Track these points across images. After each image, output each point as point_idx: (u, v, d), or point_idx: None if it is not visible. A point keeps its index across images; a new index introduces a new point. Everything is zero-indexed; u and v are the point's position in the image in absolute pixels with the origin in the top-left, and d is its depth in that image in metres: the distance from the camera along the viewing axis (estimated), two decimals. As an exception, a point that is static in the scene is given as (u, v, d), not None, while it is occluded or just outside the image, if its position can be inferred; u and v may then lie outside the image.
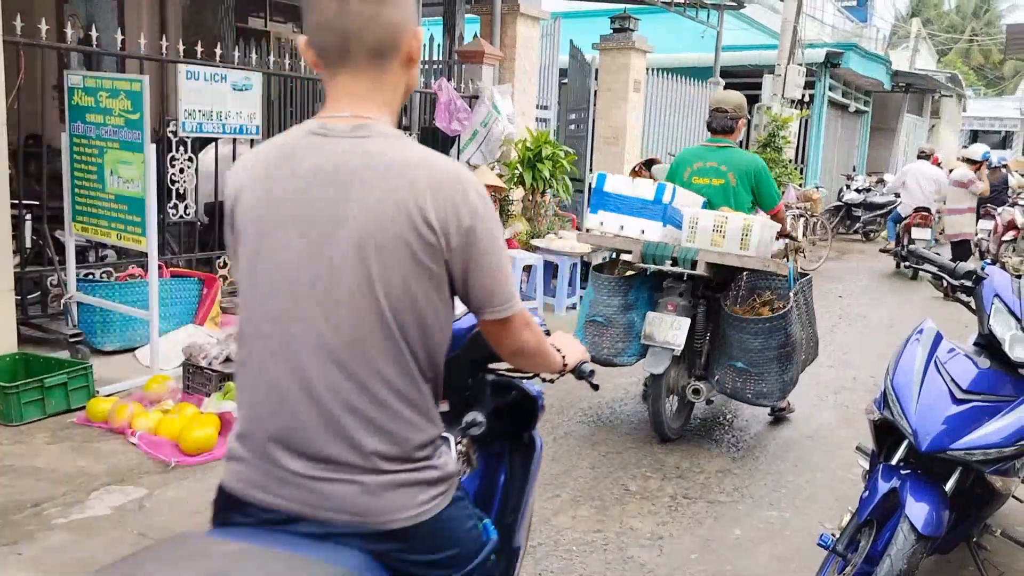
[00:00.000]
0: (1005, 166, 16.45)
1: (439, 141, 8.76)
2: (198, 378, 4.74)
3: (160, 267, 5.58)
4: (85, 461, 3.94)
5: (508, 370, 2.04)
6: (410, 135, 8.37)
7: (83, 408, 4.46)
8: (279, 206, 1.50)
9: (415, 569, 1.52)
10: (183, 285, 5.91)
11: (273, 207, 1.51)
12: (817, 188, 14.73)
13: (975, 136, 32.77)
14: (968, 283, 3.20)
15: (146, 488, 3.73)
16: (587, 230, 5.02)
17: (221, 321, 6.18)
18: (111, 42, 5.91)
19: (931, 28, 41.60)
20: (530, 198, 8.89)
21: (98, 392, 4.65)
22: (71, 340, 5.15)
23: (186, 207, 6.34)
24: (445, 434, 1.62)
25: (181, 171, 6.26)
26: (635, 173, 9.89)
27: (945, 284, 3.31)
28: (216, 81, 6.26)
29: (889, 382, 2.95)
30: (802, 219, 11.56)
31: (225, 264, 6.82)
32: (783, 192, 13.34)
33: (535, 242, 8.12)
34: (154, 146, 4.85)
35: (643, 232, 4.65)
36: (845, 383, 6.21)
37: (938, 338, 3.04)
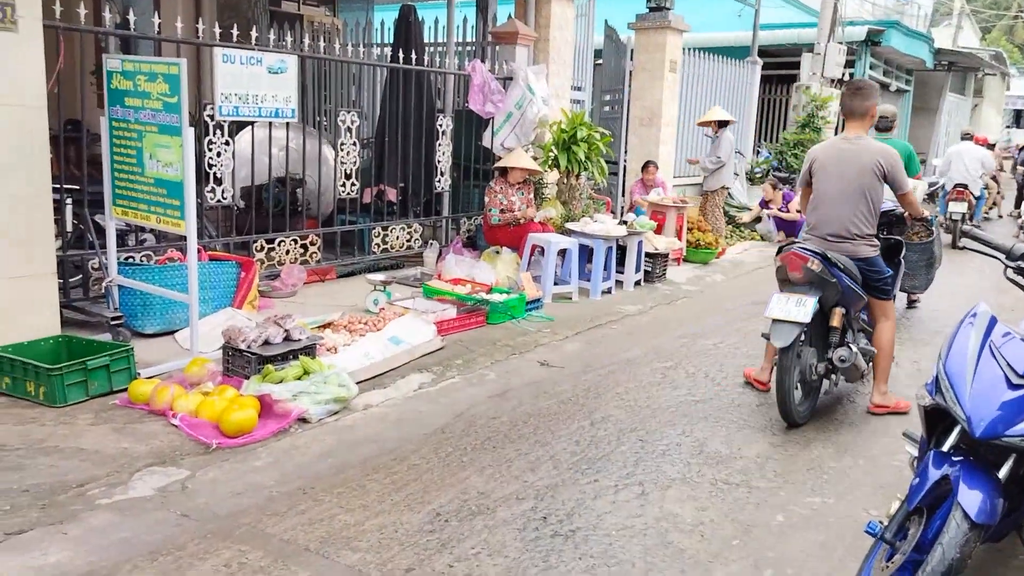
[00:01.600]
0: None
1: (473, 123, 8.72)
2: (237, 361, 4.77)
3: (199, 251, 5.61)
4: (128, 442, 3.98)
5: (889, 234, 5.48)
6: (441, 115, 8.34)
7: (125, 390, 4.50)
8: (830, 163, 4.88)
9: (866, 272, 4.85)
10: (221, 269, 5.95)
11: (828, 163, 4.89)
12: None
13: (1018, 116, 31.99)
14: (1024, 265, 3.10)
15: (188, 469, 3.76)
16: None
17: (259, 304, 6.22)
18: (148, 26, 5.94)
19: (974, 4, 40.58)
20: (565, 181, 8.82)
21: (139, 374, 4.70)
22: (112, 323, 5.21)
23: (223, 191, 6.37)
24: None
25: (218, 155, 6.29)
26: (706, 123, 10.73)
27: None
28: (252, 64, 6.27)
29: (942, 367, 2.87)
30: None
31: (262, 248, 6.87)
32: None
33: (570, 226, 8.05)
34: (192, 129, 4.86)
35: None
36: (887, 368, 6.09)
37: (992, 321, 2.95)
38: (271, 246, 6.98)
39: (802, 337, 4.63)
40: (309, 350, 4.91)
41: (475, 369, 5.54)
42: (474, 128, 8.81)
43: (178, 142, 4.83)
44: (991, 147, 19.10)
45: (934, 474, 2.71)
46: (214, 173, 6.30)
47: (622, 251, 8.30)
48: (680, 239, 9.76)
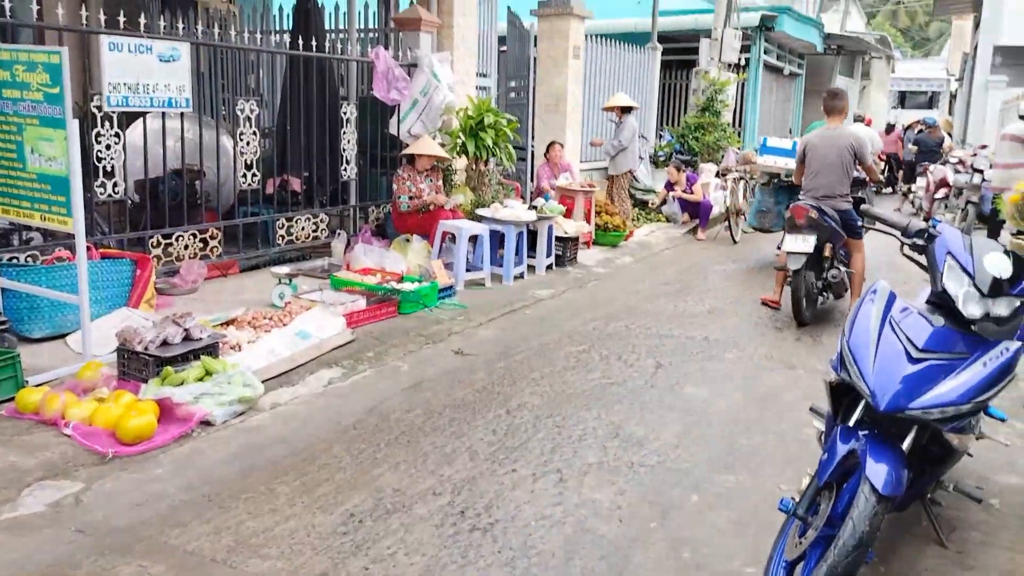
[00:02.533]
0: (936, 126, 16.87)
1: (378, 111, 8.55)
2: (134, 363, 4.54)
3: (89, 249, 5.32)
4: (16, 456, 3.74)
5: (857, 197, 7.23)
6: (345, 103, 8.16)
7: (11, 400, 4.23)
8: (819, 146, 6.98)
9: (844, 219, 6.89)
10: (115, 267, 5.66)
11: (818, 145, 6.99)
12: (755, 151, 14.85)
13: (903, 97, 33.41)
14: (920, 241, 3.20)
15: (82, 482, 3.55)
16: (758, 165, 10.12)
17: (157, 303, 5.95)
18: (27, 13, 5.58)
19: (860, -9, 42.17)
20: (473, 167, 8.75)
21: (27, 382, 4.42)
22: (-4, 328, 4.89)
23: (115, 185, 6.06)
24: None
25: (108, 147, 5.98)
26: (610, 109, 11.19)
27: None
28: (141, 52, 5.98)
29: (845, 343, 2.93)
30: (742, 182, 11.62)
31: (158, 243, 6.58)
32: (723, 156, 13.43)
33: (480, 211, 7.99)
34: (77, 121, 4.59)
35: (786, 164, 9.44)
36: (790, 344, 6.28)
37: (892, 297, 3.04)
38: (168, 241, 6.68)
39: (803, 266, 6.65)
40: (211, 349, 4.72)
41: (387, 361, 5.43)
42: (380, 115, 8.64)
43: (62, 135, 4.56)
44: (891, 128, 19.94)
45: (841, 449, 2.78)
46: (104, 166, 5.98)
47: (533, 236, 8.30)
48: (589, 223, 9.82)
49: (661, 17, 14.39)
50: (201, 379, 4.39)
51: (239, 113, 7.14)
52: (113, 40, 5.79)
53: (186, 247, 6.79)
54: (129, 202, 6.52)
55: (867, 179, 7.51)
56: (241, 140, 7.15)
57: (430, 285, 6.73)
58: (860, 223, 6.76)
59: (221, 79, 10.14)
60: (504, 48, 11.39)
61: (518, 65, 11.29)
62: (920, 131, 17.45)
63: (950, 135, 18.41)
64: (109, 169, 6.01)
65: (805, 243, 6.60)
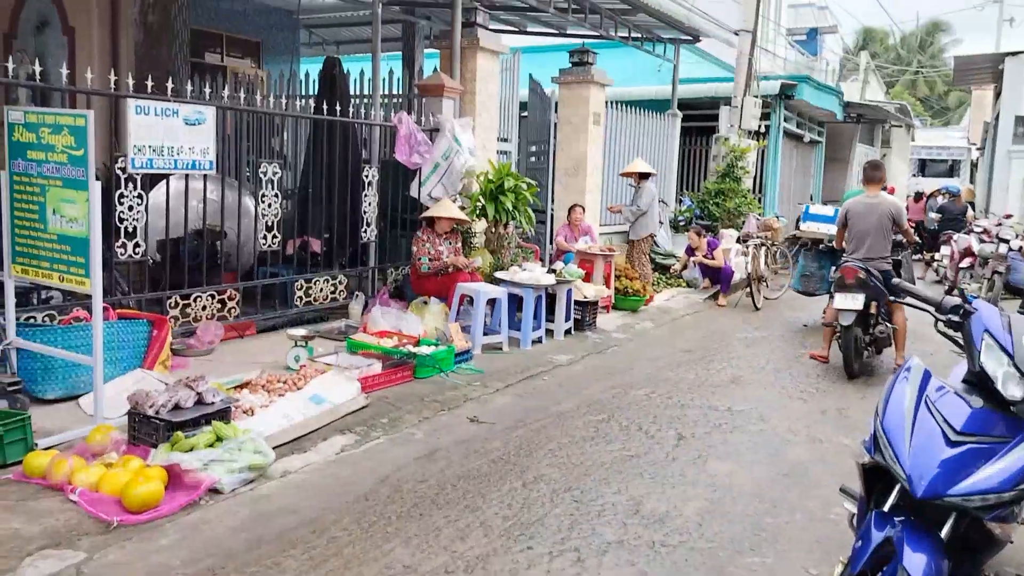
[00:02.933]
0: (959, 195, 16.78)
1: (400, 174, 8.60)
2: (144, 428, 4.46)
3: (107, 309, 5.31)
4: (19, 522, 3.64)
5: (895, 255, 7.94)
6: (367, 166, 8.22)
7: (20, 463, 4.16)
8: (861, 212, 7.57)
9: (886, 277, 7.27)
10: (131, 328, 5.63)
11: (860, 212, 7.58)
12: (777, 217, 14.83)
13: (923, 165, 33.45)
14: (955, 318, 3.09)
15: (85, 551, 3.44)
16: (802, 230, 10.54)
17: (172, 364, 5.90)
18: (58, 77, 5.67)
19: (878, 61, 42.67)
20: (493, 230, 8.75)
21: (36, 445, 4.35)
22: (9, 389, 4.83)
23: (135, 246, 6.07)
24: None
25: (131, 208, 6.01)
26: (628, 174, 11.20)
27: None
28: (168, 116, 6.04)
29: (879, 424, 2.80)
30: (763, 248, 11.55)
31: (176, 304, 6.56)
32: (743, 222, 13.40)
33: (499, 275, 7.95)
34: (99, 183, 4.60)
35: (829, 230, 9.76)
36: (815, 416, 6.11)
37: (927, 376, 2.91)
38: (187, 302, 6.66)
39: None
40: (223, 414, 4.64)
41: (401, 428, 5.32)
42: (401, 179, 8.68)
43: (84, 197, 4.58)
44: (920, 197, 19.88)
45: (876, 536, 2.63)
46: (126, 227, 6.00)
47: (551, 300, 8.23)
48: (608, 287, 9.76)
49: (681, 85, 14.54)
50: (211, 445, 4.30)
51: (262, 175, 7.19)
52: (140, 104, 5.87)
53: (204, 308, 6.77)
54: (150, 261, 6.53)
55: (904, 242, 8.10)
56: (263, 202, 7.19)
57: (447, 349, 6.65)
58: (896, 299, 7.10)
59: (247, 141, 10.26)
60: (525, 114, 11.50)
61: (539, 130, 11.39)
62: (942, 199, 17.37)
63: (972, 204, 18.30)
64: (131, 230, 6.04)
65: (855, 301, 7.12)
